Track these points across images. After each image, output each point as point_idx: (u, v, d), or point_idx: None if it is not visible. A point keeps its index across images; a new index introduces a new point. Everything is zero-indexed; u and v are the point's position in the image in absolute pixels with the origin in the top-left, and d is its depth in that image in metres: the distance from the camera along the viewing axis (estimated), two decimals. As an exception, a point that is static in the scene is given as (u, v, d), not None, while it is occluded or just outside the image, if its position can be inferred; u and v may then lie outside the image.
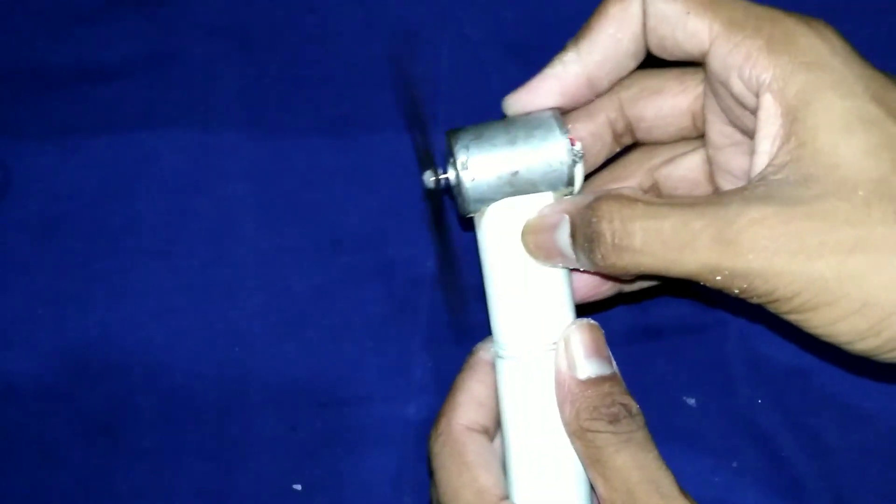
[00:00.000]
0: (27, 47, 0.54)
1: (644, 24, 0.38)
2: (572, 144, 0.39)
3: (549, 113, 0.39)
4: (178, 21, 0.54)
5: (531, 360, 0.39)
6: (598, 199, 0.36)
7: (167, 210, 0.52)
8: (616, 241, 0.35)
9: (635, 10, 0.38)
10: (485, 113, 0.53)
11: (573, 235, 0.37)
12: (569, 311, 0.40)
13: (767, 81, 0.35)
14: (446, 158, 0.40)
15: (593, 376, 0.38)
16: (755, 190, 0.34)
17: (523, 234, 0.39)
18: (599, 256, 0.36)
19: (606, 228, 0.36)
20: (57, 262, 0.51)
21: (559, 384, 0.38)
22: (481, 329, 0.43)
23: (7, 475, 0.50)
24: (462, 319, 0.46)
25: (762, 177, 0.35)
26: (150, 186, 0.52)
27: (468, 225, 0.42)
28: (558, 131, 0.38)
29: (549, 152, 0.38)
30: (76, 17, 0.54)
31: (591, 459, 0.37)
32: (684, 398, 0.49)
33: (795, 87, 0.35)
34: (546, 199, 0.39)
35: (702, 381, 0.49)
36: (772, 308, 0.35)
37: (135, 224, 0.52)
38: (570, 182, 0.39)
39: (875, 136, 0.34)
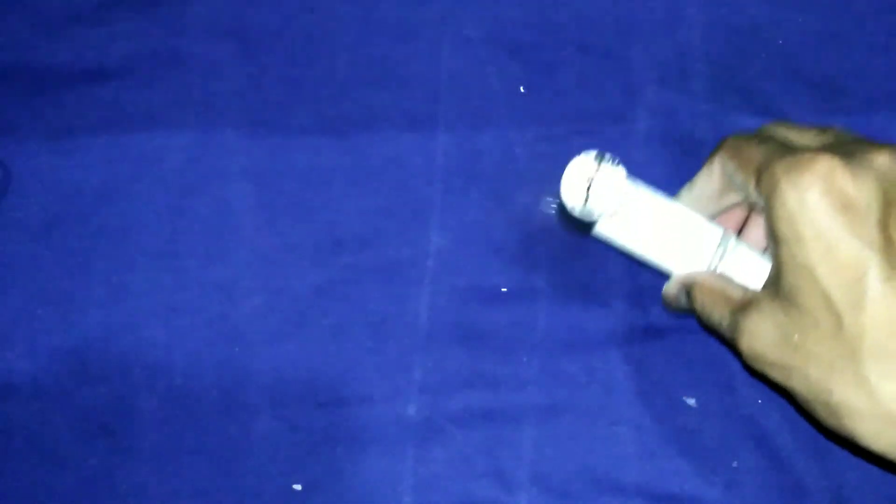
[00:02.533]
0: (27, 47, 0.54)
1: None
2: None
3: None
4: (177, 21, 0.54)
5: None
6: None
7: (167, 210, 0.52)
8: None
9: (716, 168, 0.43)
10: (485, 113, 0.53)
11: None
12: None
13: None
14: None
15: None
16: None
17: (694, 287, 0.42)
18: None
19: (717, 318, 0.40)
20: (57, 262, 0.51)
21: None
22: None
23: (6, 475, 0.50)
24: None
25: None
26: (150, 186, 0.52)
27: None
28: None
29: None
30: (76, 17, 0.54)
31: None
32: (684, 398, 0.49)
33: None
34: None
35: (702, 381, 0.49)
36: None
37: (135, 224, 0.52)
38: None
39: None
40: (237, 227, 0.52)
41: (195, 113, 0.53)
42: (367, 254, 0.51)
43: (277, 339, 0.50)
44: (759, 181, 0.38)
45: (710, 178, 0.43)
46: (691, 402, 0.49)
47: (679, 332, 0.50)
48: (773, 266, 0.38)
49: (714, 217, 0.44)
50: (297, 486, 0.49)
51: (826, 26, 0.53)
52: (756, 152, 0.39)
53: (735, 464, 0.48)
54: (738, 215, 0.45)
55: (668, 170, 0.52)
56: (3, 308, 0.51)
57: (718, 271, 0.41)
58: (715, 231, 0.41)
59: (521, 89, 0.53)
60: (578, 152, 0.52)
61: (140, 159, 0.52)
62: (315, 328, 0.50)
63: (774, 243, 0.37)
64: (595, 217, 0.40)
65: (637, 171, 0.52)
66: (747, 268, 0.40)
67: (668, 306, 0.44)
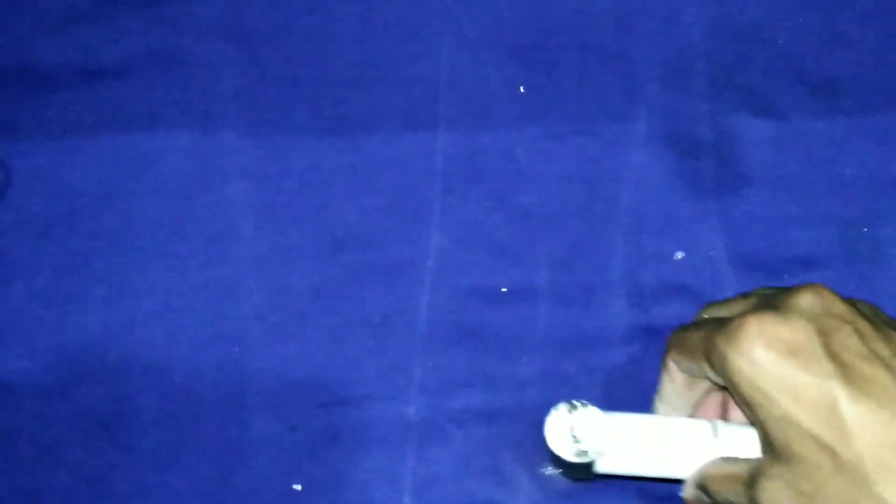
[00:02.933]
0: (27, 47, 0.54)
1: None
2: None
3: None
4: (178, 21, 0.54)
5: None
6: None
7: (167, 210, 0.52)
8: None
9: (672, 367, 0.44)
10: (485, 113, 0.53)
11: None
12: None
13: None
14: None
15: None
16: None
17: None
18: None
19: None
20: (56, 262, 0.51)
21: None
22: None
23: (6, 475, 0.50)
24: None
25: None
26: (150, 186, 0.52)
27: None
28: None
29: None
30: (76, 17, 0.54)
31: None
32: (684, 398, 0.49)
33: None
34: None
35: (702, 381, 0.49)
36: None
37: (135, 224, 0.52)
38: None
39: None
40: (237, 226, 0.52)
41: (195, 113, 0.53)
42: (367, 254, 0.51)
43: (277, 339, 0.50)
44: (710, 362, 0.40)
45: (672, 379, 0.44)
46: (691, 402, 0.49)
47: (679, 332, 0.50)
48: (758, 431, 0.39)
49: (695, 409, 0.45)
50: (297, 487, 0.49)
51: (826, 26, 0.53)
52: (696, 338, 0.41)
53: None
54: (715, 399, 0.45)
55: (668, 170, 0.52)
56: (3, 308, 0.51)
57: (720, 457, 0.42)
58: (702, 425, 0.42)
59: (521, 89, 0.53)
60: (579, 152, 0.52)
61: (140, 159, 0.52)
62: (315, 328, 0.50)
63: (749, 409, 0.39)
64: (592, 458, 0.41)
65: (637, 170, 0.52)
66: (742, 442, 0.42)
67: None
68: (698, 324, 0.43)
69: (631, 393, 0.49)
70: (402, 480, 0.49)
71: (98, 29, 0.54)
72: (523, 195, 0.52)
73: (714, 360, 0.39)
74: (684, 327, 0.43)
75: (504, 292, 0.51)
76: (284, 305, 0.51)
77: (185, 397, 0.50)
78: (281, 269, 0.51)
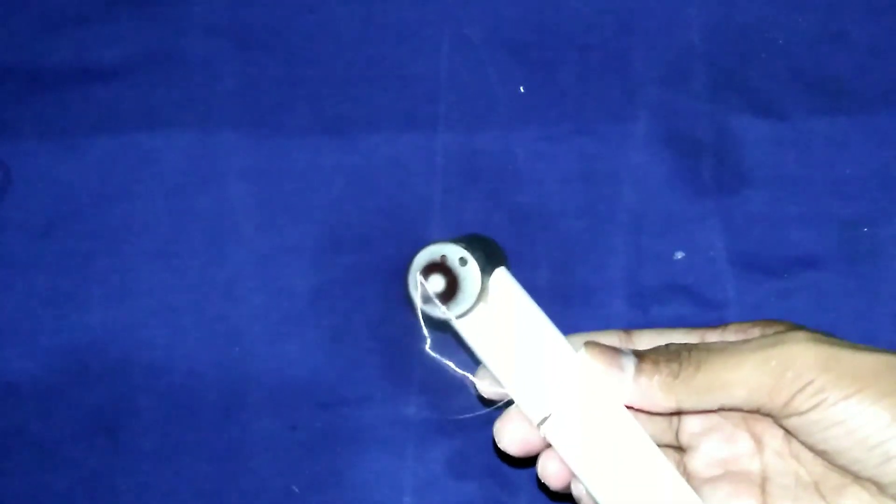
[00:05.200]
0: (27, 47, 0.54)
1: None
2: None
3: None
4: (177, 21, 0.54)
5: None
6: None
7: (167, 210, 0.52)
8: None
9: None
10: (485, 113, 0.53)
11: None
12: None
13: None
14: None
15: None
16: None
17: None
18: None
19: None
20: (57, 262, 0.51)
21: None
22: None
23: (6, 475, 0.50)
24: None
25: None
26: (150, 186, 0.52)
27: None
28: None
29: None
30: (76, 17, 0.54)
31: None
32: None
33: None
34: None
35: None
36: None
37: (134, 224, 0.52)
38: None
39: None
40: (237, 227, 0.52)
41: (195, 113, 0.53)
42: (366, 254, 0.51)
43: (277, 340, 0.50)
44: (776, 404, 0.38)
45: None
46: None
47: (679, 332, 0.50)
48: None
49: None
50: (297, 487, 0.49)
51: (826, 26, 0.53)
52: (745, 379, 0.39)
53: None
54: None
55: (668, 170, 0.52)
56: (3, 308, 0.51)
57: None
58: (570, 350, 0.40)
59: (521, 89, 0.53)
60: (578, 152, 0.52)
61: (140, 159, 0.52)
62: (315, 328, 0.50)
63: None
64: (441, 315, 0.39)
65: (637, 171, 0.52)
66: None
67: None
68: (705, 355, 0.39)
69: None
70: (401, 480, 0.49)
71: (98, 29, 0.54)
72: (523, 195, 0.52)
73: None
74: (672, 360, 0.39)
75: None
76: (284, 305, 0.51)
77: (185, 397, 0.50)
78: (281, 270, 0.51)
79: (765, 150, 0.52)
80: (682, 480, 0.39)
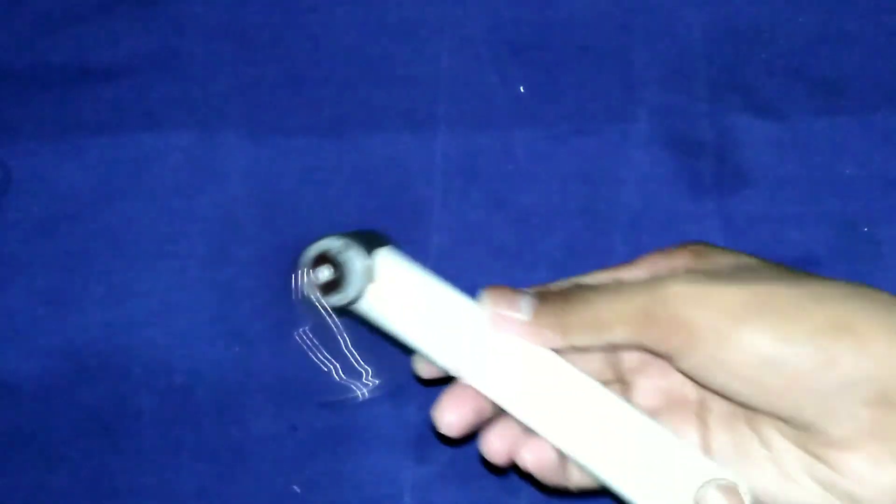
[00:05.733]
0: (27, 47, 0.54)
1: None
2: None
3: None
4: (177, 21, 0.54)
5: None
6: None
7: (167, 210, 0.52)
8: None
9: None
10: (485, 113, 0.53)
11: None
12: None
13: None
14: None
15: None
16: None
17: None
18: None
19: None
20: (57, 262, 0.52)
21: None
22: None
23: (6, 475, 0.50)
24: None
25: None
26: (150, 186, 0.52)
27: None
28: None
29: None
30: (76, 17, 0.54)
31: None
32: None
33: None
34: None
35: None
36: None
37: (135, 224, 0.52)
38: None
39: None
40: (237, 226, 0.52)
41: (195, 113, 0.53)
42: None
43: (277, 339, 0.50)
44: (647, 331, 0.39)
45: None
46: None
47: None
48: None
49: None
50: (297, 487, 0.49)
51: (826, 26, 0.53)
52: (616, 310, 0.40)
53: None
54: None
55: (668, 170, 0.52)
56: (3, 307, 0.51)
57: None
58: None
59: (521, 89, 0.53)
60: (578, 152, 0.52)
61: (140, 159, 0.52)
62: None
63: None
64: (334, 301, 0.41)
65: (637, 170, 0.52)
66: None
67: None
68: (588, 295, 0.39)
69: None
70: (401, 480, 0.49)
71: (99, 29, 0.54)
72: (523, 195, 0.52)
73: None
74: (553, 301, 0.40)
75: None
76: (284, 305, 0.51)
77: (185, 397, 0.50)
78: (280, 269, 0.51)
79: (765, 150, 0.52)
80: (621, 401, 0.39)
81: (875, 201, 0.51)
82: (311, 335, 0.44)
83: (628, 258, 0.50)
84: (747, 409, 0.38)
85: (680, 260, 0.40)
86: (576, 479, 0.42)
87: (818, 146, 0.52)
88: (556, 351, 0.40)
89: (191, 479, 0.49)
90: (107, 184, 0.52)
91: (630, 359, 0.42)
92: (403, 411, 0.50)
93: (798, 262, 0.50)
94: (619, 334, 0.38)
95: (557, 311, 0.39)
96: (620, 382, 0.43)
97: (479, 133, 0.52)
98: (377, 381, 0.44)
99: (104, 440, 0.50)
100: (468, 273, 0.51)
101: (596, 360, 0.42)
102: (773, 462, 0.38)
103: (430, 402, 0.49)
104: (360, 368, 0.45)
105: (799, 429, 0.37)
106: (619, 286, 0.38)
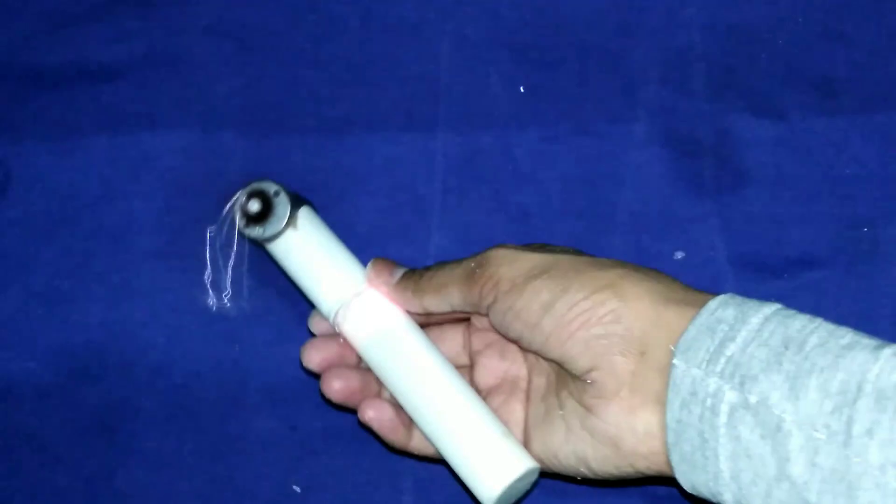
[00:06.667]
0: (27, 47, 0.54)
1: None
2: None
3: None
4: (177, 21, 0.54)
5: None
6: None
7: (167, 210, 0.52)
8: None
9: None
10: (485, 113, 0.53)
11: None
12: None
13: None
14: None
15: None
16: None
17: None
18: None
19: None
20: (57, 262, 0.51)
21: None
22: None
23: (6, 474, 0.50)
24: None
25: None
26: (150, 186, 0.52)
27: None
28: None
29: None
30: (76, 17, 0.54)
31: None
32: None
33: None
34: None
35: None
36: None
37: (134, 224, 0.52)
38: None
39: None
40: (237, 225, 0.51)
41: (195, 113, 0.53)
42: (367, 253, 0.51)
43: (277, 339, 0.50)
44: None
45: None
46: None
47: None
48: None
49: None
50: (297, 487, 0.49)
51: (826, 26, 0.53)
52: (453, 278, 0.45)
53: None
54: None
55: (668, 170, 0.52)
56: (2, 307, 0.51)
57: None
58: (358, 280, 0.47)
59: (521, 89, 0.53)
60: (578, 152, 0.52)
61: (140, 159, 0.52)
62: (315, 328, 0.50)
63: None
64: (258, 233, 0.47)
65: (637, 170, 0.52)
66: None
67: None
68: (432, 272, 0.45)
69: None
70: (401, 480, 0.49)
71: (98, 29, 0.54)
72: (523, 195, 0.52)
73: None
74: (410, 277, 0.46)
75: (504, 292, 0.51)
76: (284, 305, 0.51)
77: (185, 397, 0.50)
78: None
79: (765, 150, 0.52)
80: (453, 374, 0.45)
81: (875, 201, 0.51)
82: (219, 250, 0.49)
83: (628, 258, 0.50)
84: (540, 357, 0.44)
85: None
86: (416, 444, 0.46)
87: (818, 146, 0.51)
88: (420, 322, 0.46)
89: (190, 479, 0.49)
90: (107, 183, 0.52)
91: (476, 341, 0.47)
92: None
93: (798, 262, 0.50)
94: (455, 296, 0.44)
95: (415, 278, 0.45)
96: (471, 365, 0.48)
97: (480, 133, 0.52)
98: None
99: (104, 439, 0.50)
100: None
101: (455, 344, 0.48)
102: (563, 420, 0.43)
103: (429, 402, 0.50)
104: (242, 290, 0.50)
105: (576, 380, 0.42)
106: (459, 260, 0.45)
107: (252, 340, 0.50)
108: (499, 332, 0.44)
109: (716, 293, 0.40)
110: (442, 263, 0.45)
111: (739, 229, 0.51)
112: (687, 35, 0.53)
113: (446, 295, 0.44)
